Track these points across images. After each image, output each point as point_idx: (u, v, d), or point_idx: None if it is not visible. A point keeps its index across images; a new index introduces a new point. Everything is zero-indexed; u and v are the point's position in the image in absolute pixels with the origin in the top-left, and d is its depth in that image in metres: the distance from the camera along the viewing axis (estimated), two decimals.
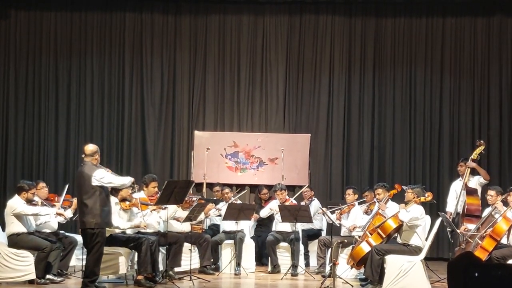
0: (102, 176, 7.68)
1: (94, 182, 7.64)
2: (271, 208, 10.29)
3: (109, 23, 12.24)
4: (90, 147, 7.92)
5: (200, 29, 12.23)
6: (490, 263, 7.11)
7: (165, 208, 8.75)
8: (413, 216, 8.29)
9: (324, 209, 9.61)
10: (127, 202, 8.65)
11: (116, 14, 12.25)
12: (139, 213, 8.68)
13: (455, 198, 9.75)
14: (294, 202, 10.35)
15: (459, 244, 8.82)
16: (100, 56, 12.19)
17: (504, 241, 8.22)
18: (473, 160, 9.62)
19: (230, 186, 11.17)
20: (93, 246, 7.70)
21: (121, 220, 8.56)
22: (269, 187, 11.37)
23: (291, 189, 11.42)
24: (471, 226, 8.70)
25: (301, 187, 11.34)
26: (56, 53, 12.17)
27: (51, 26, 12.19)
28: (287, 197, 10.28)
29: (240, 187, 11.64)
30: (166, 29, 12.24)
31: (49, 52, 12.16)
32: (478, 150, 9.59)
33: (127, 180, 7.90)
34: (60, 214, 8.92)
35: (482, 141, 9.83)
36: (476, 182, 9.68)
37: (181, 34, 12.24)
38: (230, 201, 10.08)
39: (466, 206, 9.23)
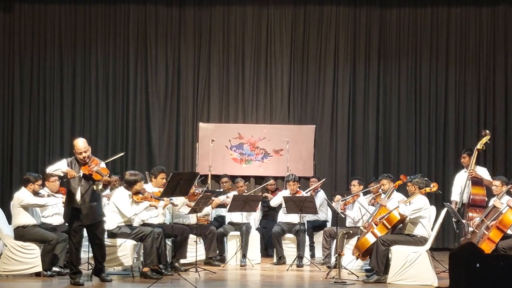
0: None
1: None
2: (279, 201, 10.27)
3: (113, 15, 12.22)
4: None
5: (204, 20, 12.20)
6: (491, 254, 7.08)
7: (176, 205, 8.82)
8: (414, 208, 8.27)
9: (329, 201, 9.61)
10: (140, 195, 8.64)
11: (120, 5, 12.22)
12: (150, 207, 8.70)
13: (459, 188, 9.72)
14: (305, 195, 10.27)
15: (464, 234, 8.82)
16: (105, 48, 12.19)
17: (509, 231, 8.20)
18: (478, 150, 9.59)
19: (235, 177, 11.10)
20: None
21: (134, 208, 8.57)
22: (275, 178, 11.41)
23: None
24: (477, 216, 8.69)
25: (306, 178, 11.36)
26: (61, 46, 12.17)
27: (55, 18, 12.18)
28: (298, 189, 10.22)
29: (245, 178, 11.61)
30: (171, 21, 12.21)
31: (54, 44, 12.16)
32: (484, 140, 9.55)
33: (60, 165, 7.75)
34: None
35: (487, 131, 9.79)
36: (483, 172, 9.62)
37: (185, 26, 12.21)
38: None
39: (471, 196, 9.21)
